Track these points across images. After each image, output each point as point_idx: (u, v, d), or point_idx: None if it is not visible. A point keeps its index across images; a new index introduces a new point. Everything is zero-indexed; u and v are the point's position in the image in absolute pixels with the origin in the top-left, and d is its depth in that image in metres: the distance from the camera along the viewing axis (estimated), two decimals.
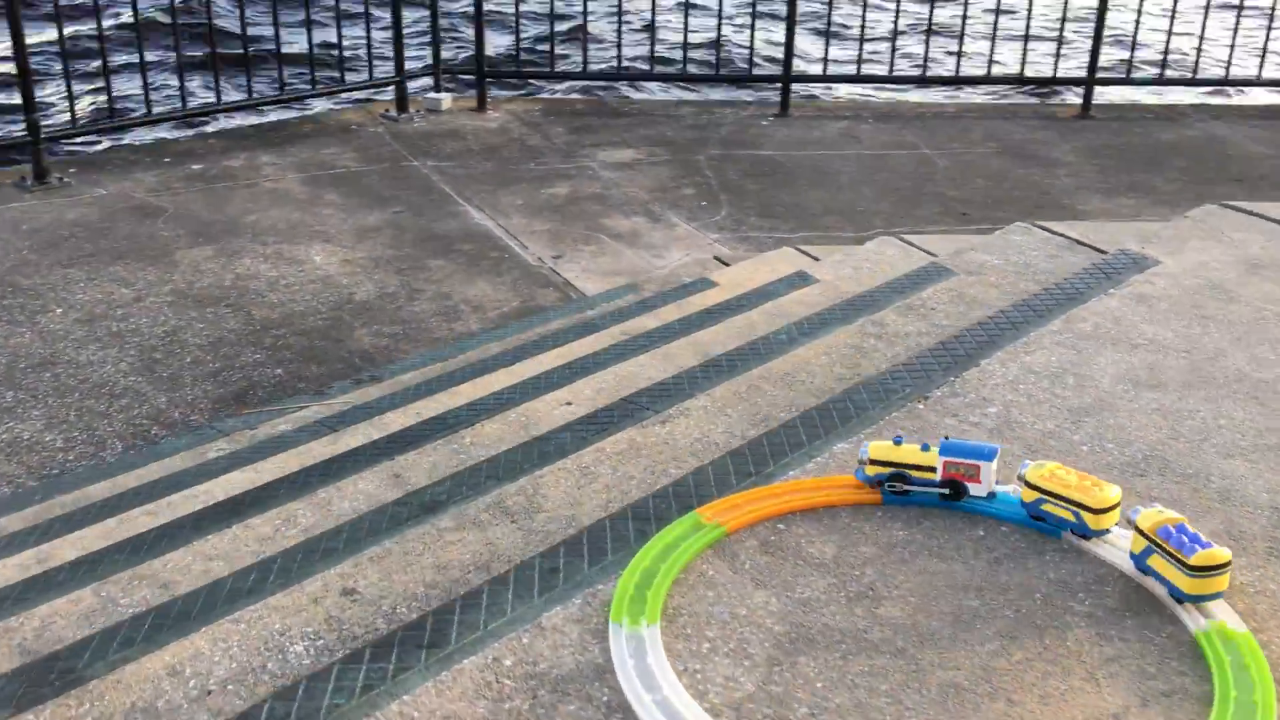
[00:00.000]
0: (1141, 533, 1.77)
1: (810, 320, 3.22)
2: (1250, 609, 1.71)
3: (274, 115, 6.84)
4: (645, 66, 7.76)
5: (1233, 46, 7.52)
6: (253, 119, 6.80)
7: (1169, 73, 7.60)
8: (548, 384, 3.33)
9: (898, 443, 1.95)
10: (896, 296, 3.31)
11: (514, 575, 1.89)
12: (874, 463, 1.96)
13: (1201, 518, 1.93)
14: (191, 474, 3.06)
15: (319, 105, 7.01)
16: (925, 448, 1.94)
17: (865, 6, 7.51)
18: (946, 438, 1.98)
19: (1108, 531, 1.85)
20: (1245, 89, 7.96)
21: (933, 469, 1.93)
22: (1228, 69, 7.50)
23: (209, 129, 7.04)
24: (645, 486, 2.36)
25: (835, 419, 2.31)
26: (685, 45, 7.36)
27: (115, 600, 2.20)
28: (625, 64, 7.60)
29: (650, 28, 7.45)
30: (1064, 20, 7.52)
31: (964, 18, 7.39)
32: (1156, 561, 1.75)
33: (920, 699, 1.56)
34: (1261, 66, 7.56)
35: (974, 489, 1.93)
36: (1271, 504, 1.96)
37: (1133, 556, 1.80)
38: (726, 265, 4.85)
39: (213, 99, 6.37)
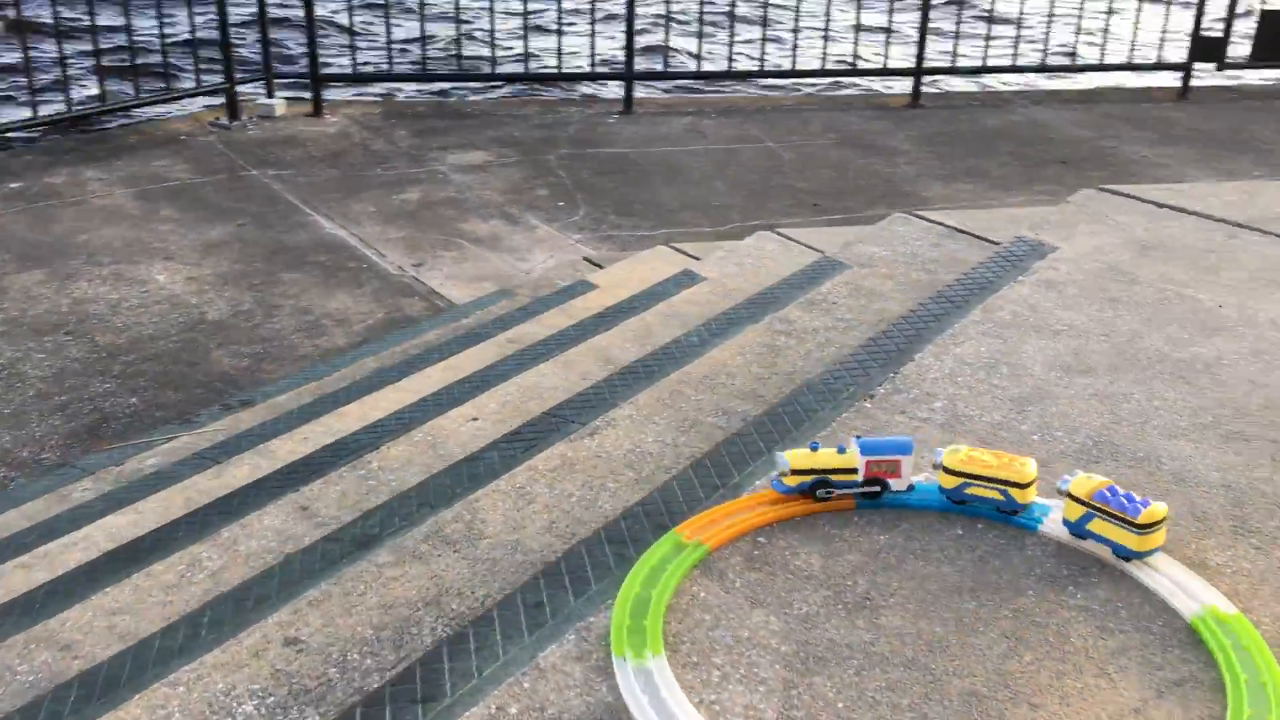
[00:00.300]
0: (1077, 499, 1.80)
1: (717, 320, 3.17)
2: (1233, 589, 1.74)
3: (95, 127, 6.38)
4: (487, 68, 7.56)
5: (1048, 35, 7.87)
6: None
7: (992, 61, 7.90)
8: (447, 399, 3.18)
9: (814, 449, 1.90)
10: (796, 292, 3.30)
11: (497, 613, 1.76)
12: (795, 472, 1.90)
13: (1162, 500, 1.95)
14: (63, 519, 2.78)
15: (143, 114, 6.55)
16: (842, 450, 1.91)
17: (702, 5, 7.53)
18: (858, 436, 1.95)
19: (1032, 505, 1.87)
20: (1066, 74, 8.33)
21: (854, 470, 1.89)
22: (1045, 56, 7.84)
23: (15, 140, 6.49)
24: (585, 503, 2.26)
25: (787, 423, 2.25)
26: (526, 45, 7.24)
27: (11, 668, 1.96)
28: (466, 65, 7.42)
29: (490, 30, 7.29)
30: (891, 12, 7.71)
31: (797, 13, 7.50)
32: (1098, 525, 1.79)
33: (944, 710, 1.52)
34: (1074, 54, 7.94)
35: (894, 484, 1.91)
36: (1223, 482, 2.01)
37: (1068, 524, 1.83)
38: (598, 266, 4.76)
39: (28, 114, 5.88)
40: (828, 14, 7.41)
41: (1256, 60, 7.90)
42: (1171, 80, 8.19)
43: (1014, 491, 1.84)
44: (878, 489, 1.90)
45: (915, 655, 1.62)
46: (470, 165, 6.31)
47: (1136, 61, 7.93)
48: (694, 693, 1.54)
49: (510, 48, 7.93)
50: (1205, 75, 8.04)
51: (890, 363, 2.44)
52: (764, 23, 7.67)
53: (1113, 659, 1.61)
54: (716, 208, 5.86)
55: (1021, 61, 8.04)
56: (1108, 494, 1.78)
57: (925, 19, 7.45)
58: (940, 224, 3.81)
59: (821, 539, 1.88)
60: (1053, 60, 7.99)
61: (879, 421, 2.21)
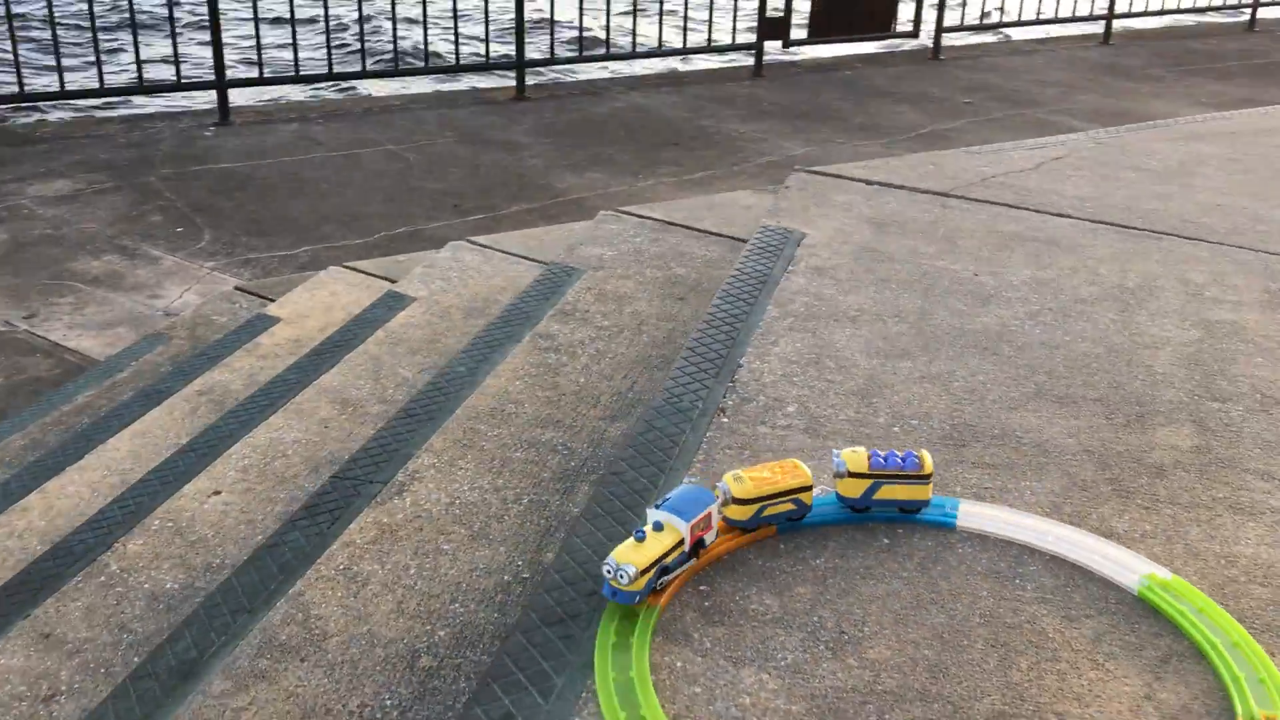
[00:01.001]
0: (860, 475, 1.80)
1: (477, 344, 2.89)
2: (1150, 553, 1.78)
3: None
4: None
5: (634, 23, 8.09)
6: None
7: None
8: (170, 473, 2.68)
9: (640, 538, 1.63)
10: (543, 304, 3.09)
11: None
12: (643, 572, 1.60)
13: (1041, 475, 1.98)
14: None
15: None
16: (659, 526, 1.66)
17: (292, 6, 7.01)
18: (656, 505, 1.71)
19: (932, 501, 1.85)
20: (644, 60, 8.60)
21: (682, 542, 1.66)
22: (634, 45, 8.07)
23: None
24: (427, 573, 1.97)
25: (659, 452, 2.06)
26: (97, 52, 6.38)
27: None
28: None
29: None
30: (487, 6, 7.59)
31: (393, 9, 7.19)
32: (886, 490, 1.81)
33: None
34: (660, 40, 8.23)
35: (708, 538, 1.72)
36: (1081, 447, 2.07)
37: (851, 501, 1.82)
38: (261, 297, 4.25)
39: None
40: (424, 13, 7.17)
41: (814, 37, 8.60)
42: (747, 59, 8.74)
43: (803, 496, 1.80)
44: (698, 547, 1.71)
45: (924, 686, 1.51)
46: (58, 196, 5.48)
47: (716, 43, 8.37)
48: None
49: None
50: (774, 53, 8.64)
51: (720, 371, 2.31)
52: (361, 20, 7.27)
53: (1095, 647, 1.58)
54: (356, 218, 5.48)
55: (614, 50, 8.23)
56: (883, 459, 1.80)
57: (521, 13, 7.39)
58: (649, 218, 3.75)
59: (763, 575, 1.72)
60: (641, 47, 8.23)
61: (745, 436, 2.07)
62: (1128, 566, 1.73)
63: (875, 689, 1.50)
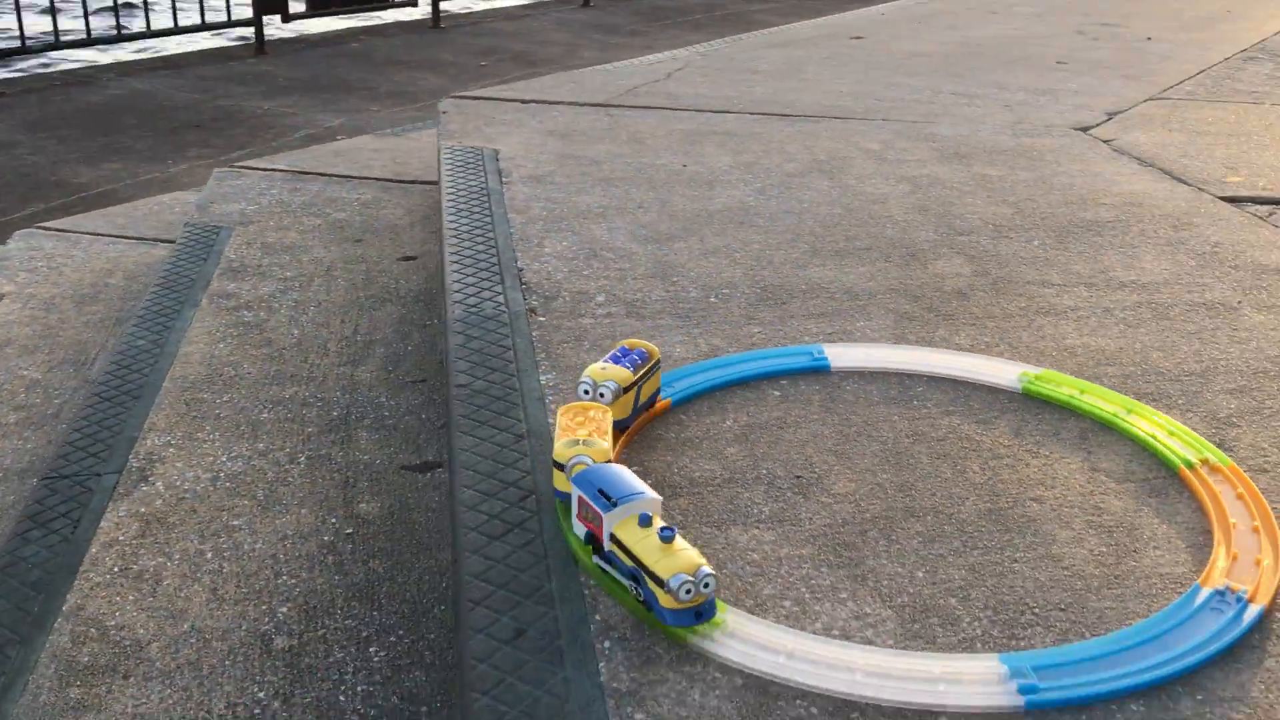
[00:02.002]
0: (630, 386, 1.52)
1: (147, 316, 2.43)
2: (1011, 357, 1.83)
3: None
4: None
5: (85, 6, 7.32)
6: None
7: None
8: None
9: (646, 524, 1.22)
10: (202, 265, 2.69)
11: None
12: (625, 391, 1.48)
13: (868, 315, 1.97)
14: None
15: None
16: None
17: None
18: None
19: (809, 349, 1.78)
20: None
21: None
22: (118, 28, 7.32)
23: None
24: (227, 551, 1.63)
25: (495, 358, 1.81)
26: None
27: None
28: None
29: None
30: None
31: None
32: (646, 389, 1.57)
33: (995, 528, 1.37)
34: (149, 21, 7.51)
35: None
36: (884, 288, 2.09)
37: (627, 420, 1.55)
38: None
39: None
40: None
41: (313, 10, 8.29)
42: (245, 38, 8.24)
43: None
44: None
45: (905, 504, 1.43)
46: None
47: (210, 21, 7.81)
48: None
49: None
50: (274, 28, 8.23)
51: (495, 277, 2.09)
52: None
53: (1020, 442, 1.59)
54: None
55: (97, 35, 7.43)
56: (620, 354, 1.55)
57: None
58: (275, 170, 3.40)
59: (687, 445, 1.56)
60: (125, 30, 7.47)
61: (574, 328, 1.89)
62: (999, 372, 1.77)
63: (864, 517, 1.40)
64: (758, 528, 1.38)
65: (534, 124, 3.12)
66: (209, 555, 1.69)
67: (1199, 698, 1.12)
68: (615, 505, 1.22)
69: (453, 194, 2.49)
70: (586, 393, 1.50)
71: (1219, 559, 1.31)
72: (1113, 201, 2.58)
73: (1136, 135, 3.18)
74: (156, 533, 1.73)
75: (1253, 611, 1.22)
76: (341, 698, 1.49)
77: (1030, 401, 1.70)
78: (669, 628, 1.17)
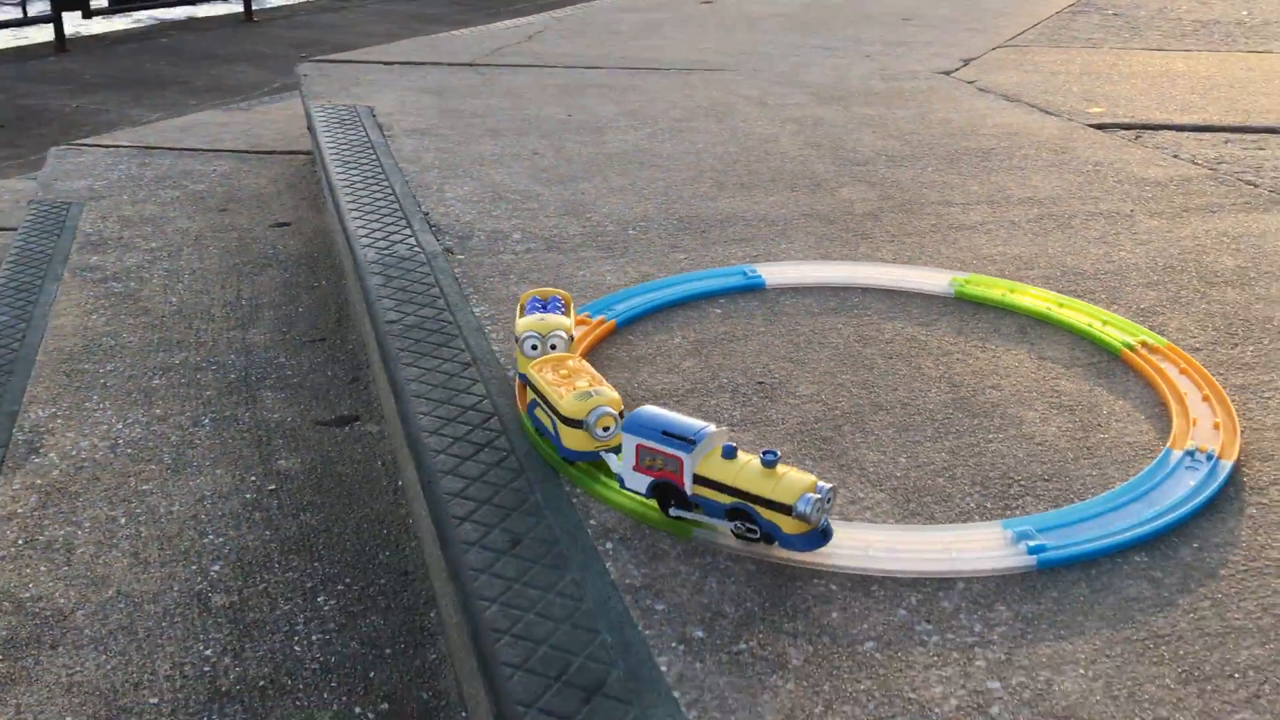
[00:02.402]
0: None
1: (2, 293, 2.24)
2: (922, 261, 1.85)
3: None
4: None
5: None
6: None
7: None
8: None
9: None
10: (56, 241, 2.52)
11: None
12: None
13: (789, 238, 1.97)
14: None
15: None
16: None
17: None
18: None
19: (742, 270, 1.77)
20: None
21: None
22: None
23: None
24: (145, 518, 1.52)
25: (422, 295, 1.72)
26: None
27: None
28: None
29: None
30: None
31: None
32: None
33: (976, 423, 1.38)
34: None
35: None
36: (797, 213, 2.09)
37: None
38: None
39: None
40: None
41: (116, 6, 7.92)
42: (43, 35, 7.80)
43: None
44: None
45: (872, 400, 1.42)
46: None
47: (4, 19, 7.36)
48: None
49: None
50: (76, 25, 7.83)
51: (400, 223, 2.01)
52: None
53: (965, 338, 1.60)
54: None
55: None
56: (539, 305, 1.47)
57: None
58: (119, 146, 3.22)
59: (644, 361, 1.51)
60: None
61: (498, 263, 1.82)
62: (930, 279, 1.78)
63: (834, 414, 1.39)
64: (734, 430, 1.34)
65: (403, 84, 3.02)
66: (122, 521, 1.57)
67: (1195, 545, 1.14)
68: (695, 444, 1.10)
69: (334, 149, 2.38)
70: (535, 348, 1.38)
71: (1181, 426, 1.34)
72: (992, 131, 2.65)
73: (996, 77, 3.29)
74: (59, 503, 1.59)
75: (1225, 467, 1.25)
76: (297, 648, 1.39)
77: (964, 304, 1.72)
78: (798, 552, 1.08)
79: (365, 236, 1.91)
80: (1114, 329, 1.60)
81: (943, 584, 1.08)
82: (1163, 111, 2.87)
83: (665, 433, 1.11)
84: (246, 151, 3.23)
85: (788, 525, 1.07)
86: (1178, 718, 0.91)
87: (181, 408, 1.88)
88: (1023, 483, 1.25)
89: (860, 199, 2.17)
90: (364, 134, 2.48)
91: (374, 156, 2.33)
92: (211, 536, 1.57)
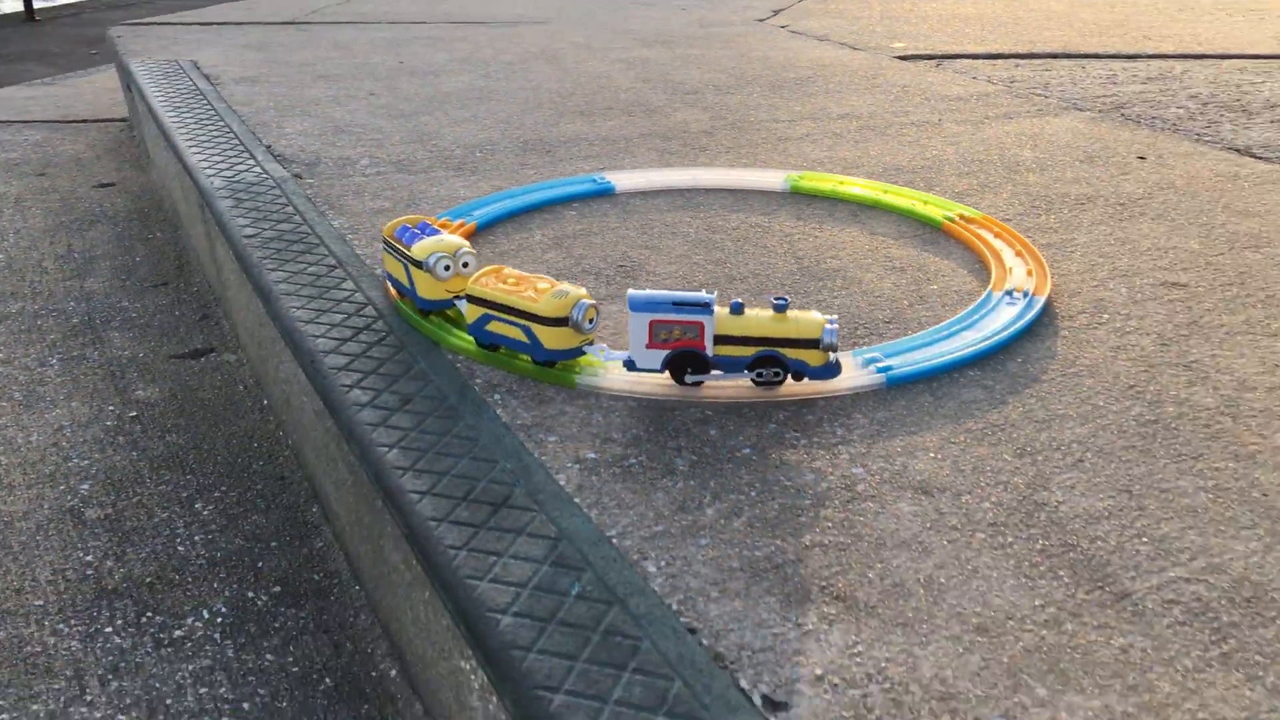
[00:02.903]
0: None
1: None
2: (755, 162, 1.97)
3: None
4: None
5: None
6: None
7: None
8: None
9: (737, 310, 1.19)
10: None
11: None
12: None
13: (632, 152, 2.05)
14: None
15: None
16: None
17: None
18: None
19: (599, 180, 1.82)
20: None
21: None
22: None
23: None
24: (3, 449, 1.53)
25: (278, 212, 1.73)
26: None
27: None
28: None
29: None
30: None
31: None
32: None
33: (822, 284, 1.49)
34: None
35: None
36: (636, 134, 2.18)
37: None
38: None
39: None
40: None
41: None
42: None
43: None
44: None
45: (728, 273, 1.52)
46: None
47: None
48: None
49: None
50: None
51: (243, 157, 2.01)
52: None
53: (804, 223, 1.73)
54: None
55: None
56: (421, 232, 1.40)
57: None
58: None
59: (521, 250, 1.58)
60: None
61: (349, 184, 1.85)
62: (766, 179, 1.90)
63: (695, 284, 1.48)
64: (601, 303, 1.42)
65: (224, 41, 2.98)
66: None
67: (1019, 360, 1.28)
68: (708, 307, 1.15)
69: (163, 98, 2.35)
70: (448, 268, 1.34)
71: (999, 273, 1.49)
72: (807, 64, 2.81)
73: (806, 23, 3.46)
74: None
75: (1039, 301, 1.40)
76: (180, 548, 1.40)
77: (800, 197, 1.84)
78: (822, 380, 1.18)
79: (209, 169, 1.91)
80: (935, 207, 1.75)
81: (805, 403, 1.18)
82: (959, 45, 3.08)
83: (677, 304, 1.15)
84: (59, 121, 3.13)
85: (814, 358, 1.16)
86: (1015, 480, 1.04)
87: (25, 351, 1.85)
88: (867, 325, 1.37)
89: (694, 120, 2.27)
90: (191, 83, 2.46)
91: (205, 103, 2.31)
92: (76, 460, 1.56)
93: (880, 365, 1.23)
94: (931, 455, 1.08)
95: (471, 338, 1.29)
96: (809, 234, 1.68)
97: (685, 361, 1.17)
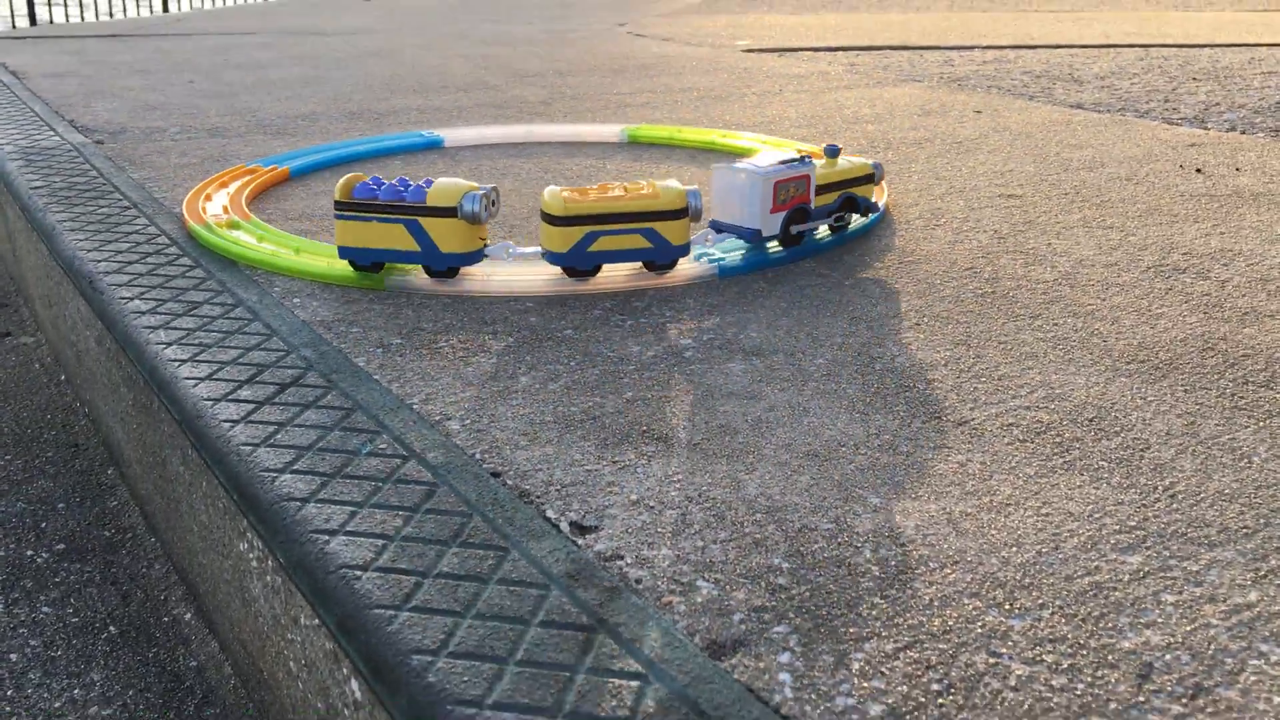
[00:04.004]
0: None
1: None
2: (631, 120, 1.91)
3: None
4: None
5: None
6: None
7: None
8: None
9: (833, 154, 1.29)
10: None
11: None
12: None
13: (452, 126, 1.98)
14: None
15: None
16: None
17: None
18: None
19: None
20: None
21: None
22: None
23: None
24: None
25: (103, 187, 1.60)
26: None
27: None
28: None
29: None
30: None
31: None
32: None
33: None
34: None
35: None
36: (488, 102, 2.11)
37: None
38: None
39: None
40: None
41: None
42: None
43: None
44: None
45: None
46: None
47: None
48: None
49: None
50: None
51: (44, 128, 1.87)
52: None
53: (656, 164, 1.67)
54: None
55: None
56: (396, 185, 1.24)
57: None
58: None
59: (324, 196, 1.48)
60: None
61: (153, 149, 1.73)
62: (602, 132, 1.84)
63: (534, 208, 1.41)
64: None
65: (37, 50, 2.83)
66: None
67: (857, 253, 1.23)
68: (805, 160, 1.21)
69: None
70: (494, 203, 1.17)
71: None
72: (651, 56, 2.79)
73: (653, 30, 3.46)
74: None
75: (878, 206, 1.36)
76: None
77: (637, 144, 1.79)
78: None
79: (2, 140, 1.77)
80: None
81: (634, 293, 1.11)
82: (802, 41, 3.10)
83: (782, 161, 1.21)
84: None
85: (877, 192, 1.34)
86: (850, 342, 0.98)
87: None
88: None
89: (532, 94, 2.21)
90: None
91: (9, 93, 2.16)
92: None
93: (713, 258, 1.17)
94: (765, 325, 1.01)
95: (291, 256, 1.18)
96: (647, 171, 1.62)
97: (794, 218, 1.23)
